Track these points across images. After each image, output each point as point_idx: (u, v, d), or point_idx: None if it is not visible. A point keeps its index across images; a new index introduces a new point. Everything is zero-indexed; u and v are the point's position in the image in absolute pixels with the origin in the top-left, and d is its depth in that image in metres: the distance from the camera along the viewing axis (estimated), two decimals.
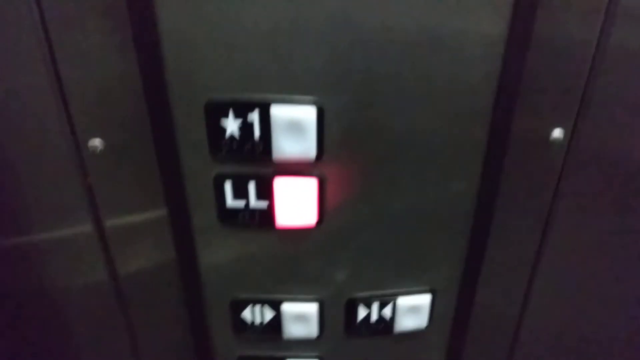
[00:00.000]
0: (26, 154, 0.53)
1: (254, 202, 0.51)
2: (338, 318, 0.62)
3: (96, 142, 0.52)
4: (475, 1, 0.45)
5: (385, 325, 0.62)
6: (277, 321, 0.61)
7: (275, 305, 0.60)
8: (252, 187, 0.51)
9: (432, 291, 0.62)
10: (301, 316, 0.60)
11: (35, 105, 0.50)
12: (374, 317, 0.61)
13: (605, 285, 0.69)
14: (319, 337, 0.62)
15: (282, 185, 0.51)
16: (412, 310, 0.62)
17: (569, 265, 0.66)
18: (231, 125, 0.47)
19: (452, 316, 0.65)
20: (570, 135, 0.55)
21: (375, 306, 0.61)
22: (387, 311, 0.61)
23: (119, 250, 0.60)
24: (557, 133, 0.55)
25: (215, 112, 0.46)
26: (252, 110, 0.46)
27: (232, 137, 0.47)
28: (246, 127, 0.47)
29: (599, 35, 0.51)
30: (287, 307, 0.59)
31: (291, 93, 0.46)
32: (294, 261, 0.57)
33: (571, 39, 0.51)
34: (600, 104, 0.54)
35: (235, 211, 0.52)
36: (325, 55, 0.45)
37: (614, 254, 0.66)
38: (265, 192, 0.51)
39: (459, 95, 0.49)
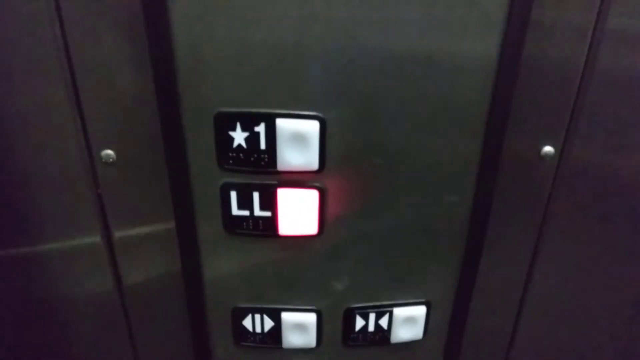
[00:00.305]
0: (40, 164, 0.55)
1: (258, 211, 0.54)
2: (336, 328, 0.63)
3: (109, 153, 0.54)
4: (469, 23, 0.48)
5: (382, 336, 0.64)
6: (276, 330, 0.62)
7: (275, 315, 0.61)
8: (256, 197, 0.53)
9: (428, 303, 0.63)
10: (300, 325, 0.62)
11: (52, 116, 0.53)
12: (371, 327, 0.63)
13: (597, 299, 0.71)
14: (317, 346, 0.64)
15: (284, 195, 0.53)
16: (408, 321, 0.63)
17: (561, 278, 0.69)
18: (238, 136, 0.49)
19: (447, 328, 0.66)
20: (560, 151, 0.58)
21: (372, 317, 0.63)
22: (383, 322, 0.63)
23: (125, 260, 0.62)
24: (548, 149, 0.57)
25: (224, 124, 0.49)
26: (258, 122, 0.49)
27: (239, 147, 0.50)
28: (253, 138, 0.49)
29: (587, 55, 0.54)
30: (287, 317, 0.61)
31: (296, 107, 0.49)
32: (295, 271, 0.59)
33: (560, 59, 0.54)
34: (588, 121, 0.57)
35: (240, 219, 0.54)
36: (329, 72, 0.48)
37: (604, 268, 0.68)
38: (269, 202, 0.53)
39: (454, 113, 0.52)
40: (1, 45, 0.49)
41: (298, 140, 0.49)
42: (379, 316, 0.62)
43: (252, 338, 0.63)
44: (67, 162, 0.55)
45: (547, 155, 0.58)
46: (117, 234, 0.60)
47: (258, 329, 0.62)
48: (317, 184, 0.53)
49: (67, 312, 0.66)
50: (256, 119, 0.49)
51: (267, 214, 0.54)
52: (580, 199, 0.63)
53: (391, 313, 0.62)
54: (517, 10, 0.47)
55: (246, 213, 0.54)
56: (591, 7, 0.52)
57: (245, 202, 0.53)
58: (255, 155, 0.50)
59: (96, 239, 0.60)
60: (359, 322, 0.63)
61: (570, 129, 0.57)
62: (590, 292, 0.71)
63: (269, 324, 0.62)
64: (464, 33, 0.48)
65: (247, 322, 0.62)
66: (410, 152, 0.53)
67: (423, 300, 0.63)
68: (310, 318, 0.61)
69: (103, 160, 0.54)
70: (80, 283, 0.63)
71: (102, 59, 0.50)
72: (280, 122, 0.49)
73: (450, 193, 0.57)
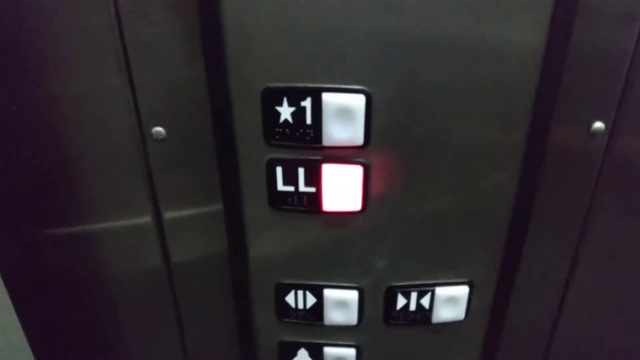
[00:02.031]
0: (92, 141, 0.57)
1: (302, 187, 0.54)
2: (377, 306, 0.64)
3: (159, 130, 0.56)
4: (516, 8, 0.47)
5: (424, 315, 0.64)
6: (319, 307, 0.63)
7: (318, 291, 0.62)
8: (301, 172, 0.54)
9: (470, 283, 0.63)
10: (342, 302, 0.62)
11: (104, 93, 0.55)
12: (413, 306, 0.63)
13: None
14: (358, 324, 0.64)
15: (329, 171, 0.54)
16: (450, 301, 0.63)
17: (607, 263, 0.67)
18: (285, 111, 0.50)
19: (489, 309, 0.66)
20: (611, 128, 0.56)
21: (414, 296, 0.63)
22: (425, 301, 0.63)
23: (173, 238, 0.64)
24: (598, 125, 0.56)
25: (271, 99, 0.50)
26: (305, 97, 0.49)
27: (285, 122, 0.51)
28: (299, 113, 0.50)
29: (636, 42, 0.53)
30: (329, 293, 0.62)
31: (342, 81, 0.49)
32: (338, 247, 0.60)
33: (608, 44, 0.53)
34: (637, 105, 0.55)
35: (285, 195, 0.55)
36: (375, 47, 0.48)
37: None
38: (314, 177, 0.54)
39: (501, 96, 0.51)
40: (56, 25, 0.51)
41: (344, 115, 0.50)
42: (420, 295, 0.63)
43: (294, 314, 0.64)
44: (118, 139, 0.57)
45: (597, 131, 0.56)
46: (166, 211, 0.62)
47: (300, 305, 0.63)
48: (361, 160, 0.53)
49: (116, 288, 0.68)
50: (303, 93, 0.49)
51: (312, 189, 0.55)
52: (630, 179, 0.61)
53: (433, 292, 0.62)
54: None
55: (291, 189, 0.55)
56: None
57: (290, 177, 0.54)
58: (301, 131, 0.51)
59: (146, 216, 0.62)
60: (401, 301, 0.63)
61: (622, 105, 0.55)
62: (636, 282, 0.69)
63: (311, 300, 0.63)
64: (511, 18, 0.48)
65: (289, 298, 0.63)
66: (457, 131, 0.53)
67: (466, 280, 0.63)
68: (352, 295, 0.62)
69: (153, 137, 0.56)
70: (129, 260, 0.66)
71: (154, 37, 0.52)
72: (327, 97, 0.49)
73: (496, 172, 0.56)
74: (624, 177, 0.60)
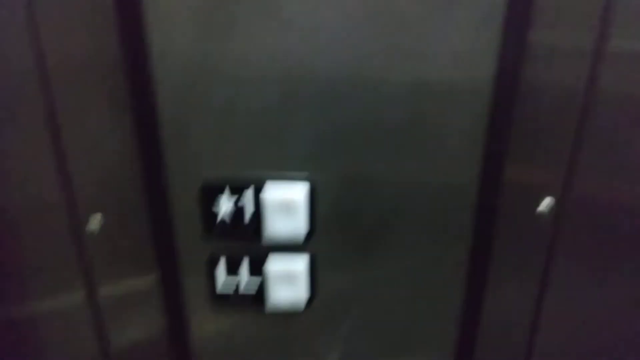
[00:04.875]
0: (26, 227, 0.54)
1: (245, 280, 0.52)
2: None
3: (96, 218, 0.53)
4: (462, 51, 0.46)
5: None
6: None
7: None
8: (244, 265, 0.52)
9: None
10: None
11: (40, 181, 0.52)
12: None
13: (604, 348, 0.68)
14: None
15: (273, 263, 0.52)
16: None
17: (565, 332, 0.66)
18: (224, 206, 0.48)
19: None
20: (560, 198, 0.56)
21: None
22: None
23: (110, 323, 0.60)
24: (547, 201, 0.56)
25: (210, 195, 0.48)
26: (243, 191, 0.48)
27: (224, 218, 0.49)
28: (238, 209, 0.48)
29: (587, 81, 0.52)
30: None
31: (283, 175, 0.48)
32: (285, 341, 0.57)
33: (558, 86, 0.51)
34: (588, 160, 0.54)
35: (227, 290, 0.52)
36: (316, 132, 0.48)
37: (611, 316, 0.65)
38: (257, 270, 0.52)
39: (448, 153, 0.50)
40: None
41: (285, 208, 0.48)
42: None
43: None
44: (54, 226, 0.54)
45: (545, 206, 0.56)
46: (103, 296, 0.58)
47: None
48: (306, 250, 0.52)
49: None
50: (241, 187, 0.48)
51: (256, 282, 0.52)
52: (583, 245, 0.60)
53: None
54: (511, 39, 0.46)
55: (233, 283, 0.52)
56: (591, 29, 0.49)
57: (232, 271, 0.52)
58: (242, 225, 0.49)
59: (81, 301, 0.58)
60: None
61: (569, 179, 0.55)
62: (598, 343, 0.68)
63: None
64: (457, 61, 0.47)
65: None
66: (406, 214, 0.52)
67: None
68: None
69: (91, 227, 0.53)
70: (64, 347, 0.61)
71: (90, 128, 0.50)
72: (267, 190, 0.48)
73: (447, 248, 0.55)
74: (577, 241, 0.60)
